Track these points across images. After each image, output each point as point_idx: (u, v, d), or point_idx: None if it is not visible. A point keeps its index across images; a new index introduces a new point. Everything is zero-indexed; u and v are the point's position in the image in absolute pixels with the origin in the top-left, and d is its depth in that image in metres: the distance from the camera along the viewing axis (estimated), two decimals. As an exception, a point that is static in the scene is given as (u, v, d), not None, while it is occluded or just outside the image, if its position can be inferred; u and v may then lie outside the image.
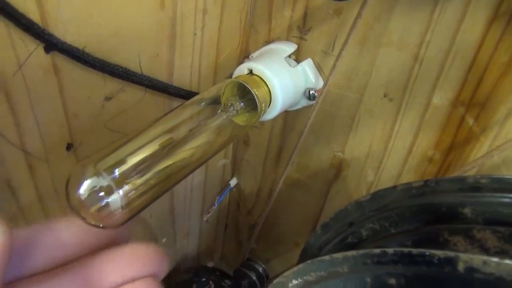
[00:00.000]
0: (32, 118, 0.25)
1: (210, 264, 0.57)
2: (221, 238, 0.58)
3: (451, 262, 0.18)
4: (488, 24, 0.27)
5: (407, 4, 0.30)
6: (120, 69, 0.28)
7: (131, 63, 0.29)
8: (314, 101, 0.37)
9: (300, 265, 0.25)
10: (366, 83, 0.35)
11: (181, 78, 0.34)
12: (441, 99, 0.32)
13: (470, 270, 0.17)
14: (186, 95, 0.34)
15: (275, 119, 0.40)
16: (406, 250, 0.19)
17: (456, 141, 0.32)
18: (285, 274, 0.27)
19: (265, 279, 0.53)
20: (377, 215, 0.29)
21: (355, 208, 0.31)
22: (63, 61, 0.24)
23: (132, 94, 0.31)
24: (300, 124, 0.41)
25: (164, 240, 0.46)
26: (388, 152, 0.36)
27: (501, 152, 0.29)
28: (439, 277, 0.19)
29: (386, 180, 0.38)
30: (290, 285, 0.27)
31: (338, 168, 0.41)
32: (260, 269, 0.53)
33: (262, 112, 0.34)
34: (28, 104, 0.24)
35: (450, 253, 0.18)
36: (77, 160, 0.29)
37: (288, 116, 0.42)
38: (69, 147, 0.28)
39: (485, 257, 0.17)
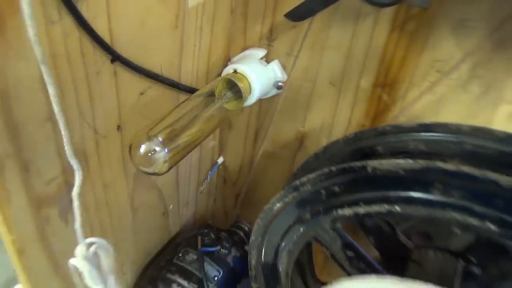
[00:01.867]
0: (100, 107, 0.37)
1: (205, 229, 0.70)
2: (211, 209, 0.72)
3: (364, 167, 0.33)
4: (389, 32, 0.43)
5: (340, 20, 0.45)
6: (150, 73, 0.41)
7: (156, 69, 0.42)
8: (281, 90, 0.52)
9: (280, 192, 0.40)
10: (316, 75, 0.50)
11: (186, 78, 0.47)
12: (366, 83, 0.47)
13: (374, 169, 0.32)
14: (190, 90, 0.48)
15: (251, 106, 0.54)
16: (341, 166, 0.34)
17: (378, 111, 0.48)
18: (271, 201, 0.41)
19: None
20: (329, 161, 0.44)
21: (314, 159, 0.46)
22: (119, 68, 0.37)
23: (156, 90, 0.44)
24: (271, 108, 0.55)
25: (171, 207, 0.59)
26: (335, 123, 0.52)
27: (404, 113, 0.44)
28: (360, 178, 0.34)
29: (335, 144, 0.53)
30: (275, 208, 0.41)
31: (301, 140, 0.56)
32: (246, 228, 0.67)
33: (245, 99, 0.48)
34: (99, 98, 0.36)
35: (363, 162, 0.33)
36: (123, 137, 0.42)
37: (262, 103, 0.56)
38: (118, 128, 0.41)
39: (379, 160, 0.32)
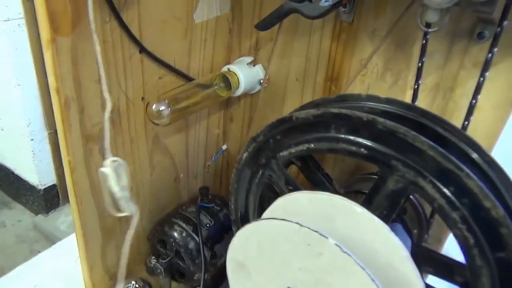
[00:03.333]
0: (131, 81, 0.58)
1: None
2: (218, 188, 0.90)
3: (291, 117, 0.50)
4: (331, 41, 0.61)
5: (299, 35, 0.64)
6: (166, 64, 0.62)
7: (171, 61, 0.62)
8: (262, 86, 0.71)
9: (246, 144, 0.57)
10: (287, 74, 0.68)
11: (194, 72, 0.68)
12: (320, 78, 0.65)
13: (297, 118, 0.49)
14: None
15: (245, 100, 0.73)
16: (278, 118, 0.52)
17: (329, 99, 0.65)
18: (240, 152, 0.59)
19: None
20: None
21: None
22: (145, 58, 0.58)
23: (170, 77, 0.64)
24: (258, 102, 0.74)
25: (182, 175, 0.78)
26: (302, 110, 0.69)
27: (342, 98, 0.61)
28: (290, 126, 0.51)
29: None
30: (243, 157, 0.58)
31: (280, 126, 0.73)
32: (241, 202, 0.84)
33: (234, 90, 0.68)
34: (130, 75, 0.57)
35: (290, 114, 0.50)
36: (144, 106, 0.62)
37: (253, 97, 0.75)
38: (142, 99, 0.61)
39: (299, 111, 0.49)
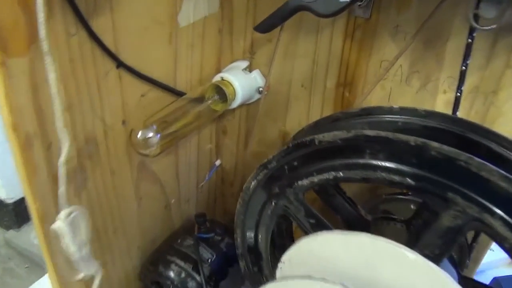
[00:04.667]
0: (107, 103, 0.47)
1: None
2: (212, 207, 0.80)
3: (313, 140, 0.41)
4: (343, 40, 0.52)
5: (304, 33, 0.55)
6: (149, 78, 0.51)
7: (155, 75, 0.52)
8: (262, 95, 0.61)
9: (254, 171, 0.48)
10: (291, 79, 0.59)
11: (181, 85, 0.57)
12: (331, 84, 0.56)
13: (319, 142, 0.40)
14: (184, 95, 0.58)
15: (241, 111, 0.63)
16: (295, 141, 0.42)
17: (343, 106, 0.56)
18: (248, 180, 0.49)
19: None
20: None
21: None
22: (123, 73, 0.47)
23: (155, 93, 0.54)
24: (257, 112, 0.64)
25: (173, 200, 0.67)
26: (309, 120, 0.60)
27: (362, 107, 0.52)
28: (311, 151, 0.42)
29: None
30: (251, 186, 0.49)
31: (283, 138, 0.65)
32: (242, 223, 0.74)
33: (230, 102, 0.58)
34: (107, 95, 0.46)
35: (310, 137, 0.41)
36: (127, 131, 0.51)
37: (250, 108, 0.65)
38: (123, 122, 0.50)
39: (322, 134, 0.40)
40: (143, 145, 0.46)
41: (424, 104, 0.50)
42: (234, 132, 0.69)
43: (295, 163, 0.44)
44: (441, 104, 0.49)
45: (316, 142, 0.41)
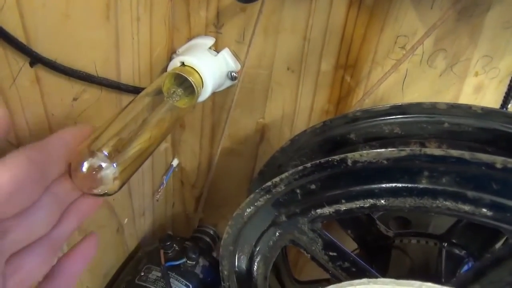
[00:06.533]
0: (23, 118, 0.31)
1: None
2: (170, 215, 0.66)
3: (344, 160, 0.29)
4: (347, 8, 0.40)
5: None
6: (82, 74, 0.35)
7: (89, 68, 0.35)
8: (236, 81, 0.47)
9: (251, 196, 0.35)
10: (273, 61, 0.46)
11: (127, 76, 0.41)
12: (327, 65, 0.44)
13: (354, 162, 0.29)
14: (133, 90, 0.42)
15: (204, 101, 0.49)
16: (317, 161, 0.30)
17: (341, 94, 0.45)
18: (241, 206, 0.37)
19: (217, 239, 0.63)
20: (296, 154, 0.41)
21: (280, 154, 0.42)
22: (42, 72, 0.31)
23: (92, 93, 0.37)
24: (227, 101, 0.50)
25: (126, 220, 0.53)
26: (297, 111, 0.48)
27: (369, 95, 0.42)
28: (340, 173, 0.30)
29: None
30: (245, 213, 0.37)
31: (262, 132, 0.52)
32: (212, 232, 0.62)
33: (199, 94, 0.43)
34: (20, 109, 0.30)
35: (342, 155, 0.29)
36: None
37: (216, 96, 0.51)
38: (50, 142, 0.34)
39: (359, 152, 0.29)
40: (93, 182, 0.30)
41: (447, 89, 0.40)
42: (195, 126, 0.55)
43: (313, 187, 0.32)
44: (469, 90, 0.39)
45: (349, 163, 0.29)
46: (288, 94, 0.47)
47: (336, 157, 0.30)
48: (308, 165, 0.31)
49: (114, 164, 0.31)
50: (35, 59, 0.29)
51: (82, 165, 0.30)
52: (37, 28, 0.29)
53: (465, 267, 0.38)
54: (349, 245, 0.43)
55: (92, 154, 0.30)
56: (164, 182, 0.59)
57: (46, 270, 0.27)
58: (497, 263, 0.29)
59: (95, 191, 0.31)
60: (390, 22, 0.39)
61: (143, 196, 0.55)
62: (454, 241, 0.38)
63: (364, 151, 0.28)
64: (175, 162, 0.60)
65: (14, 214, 0.23)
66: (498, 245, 0.38)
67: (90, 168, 0.30)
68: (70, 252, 0.29)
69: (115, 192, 0.32)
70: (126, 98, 0.42)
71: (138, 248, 0.59)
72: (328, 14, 0.41)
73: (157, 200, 0.59)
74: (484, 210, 0.27)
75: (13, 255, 0.24)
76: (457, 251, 0.38)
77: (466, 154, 0.26)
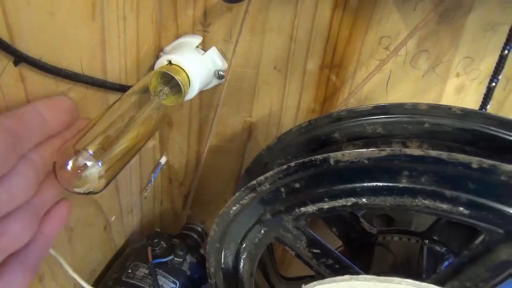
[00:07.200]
0: (8, 119, 0.30)
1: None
2: (158, 213, 0.66)
3: (326, 159, 0.30)
4: (332, 10, 0.40)
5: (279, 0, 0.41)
6: (68, 73, 0.35)
7: (75, 66, 0.36)
8: (223, 80, 0.47)
9: (236, 194, 0.36)
10: (260, 60, 0.46)
11: (113, 74, 0.41)
12: (313, 65, 0.44)
13: (336, 161, 0.30)
14: (120, 88, 0.42)
15: (192, 99, 0.49)
16: (301, 160, 0.31)
17: (327, 94, 0.45)
18: (227, 204, 0.37)
19: (205, 236, 0.63)
20: (282, 153, 0.41)
21: (266, 152, 0.43)
22: (27, 71, 0.31)
23: (77, 92, 0.37)
24: (214, 100, 0.51)
25: (113, 218, 0.53)
26: (284, 110, 0.48)
27: (354, 95, 0.42)
28: (323, 172, 0.31)
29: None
30: (231, 211, 0.37)
31: (249, 130, 0.52)
32: (199, 229, 0.63)
33: (186, 93, 0.43)
34: (5, 108, 0.30)
35: (324, 155, 0.30)
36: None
37: (203, 95, 0.51)
38: (36, 141, 0.34)
39: (342, 152, 0.29)
40: (79, 181, 0.31)
41: (431, 90, 0.41)
42: (183, 124, 0.55)
43: (297, 185, 0.33)
44: (451, 91, 0.40)
45: (332, 162, 0.30)
46: (275, 93, 0.48)
47: (319, 157, 0.30)
48: (292, 164, 0.32)
49: (99, 163, 0.31)
50: (19, 58, 0.29)
51: (67, 163, 0.30)
52: (21, 26, 0.29)
53: (446, 264, 0.39)
54: (334, 243, 0.44)
55: (77, 152, 0.30)
56: (152, 179, 0.59)
57: (29, 235, 0.28)
58: (474, 260, 0.30)
59: (81, 190, 0.31)
60: (374, 23, 0.39)
61: (130, 193, 0.56)
62: (435, 238, 0.39)
63: (346, 151, 0.29)
64: (163, 160, 0.60)
65: None
66: (477, 242, 0.39)
67: (75, 167, 0.30)
68: (45, 215, 0.31)
69: (101, 190, 0.32)
70: (112, 97, 0.42)
71: (125, 245, 0.59)
72: (314, 15, 0.41)
73: (145, 198, 0.59)
74: (461, 208, 0.28)
75: None
76: (438, 248, 0.39)
77: (444, 155, 0.26)
